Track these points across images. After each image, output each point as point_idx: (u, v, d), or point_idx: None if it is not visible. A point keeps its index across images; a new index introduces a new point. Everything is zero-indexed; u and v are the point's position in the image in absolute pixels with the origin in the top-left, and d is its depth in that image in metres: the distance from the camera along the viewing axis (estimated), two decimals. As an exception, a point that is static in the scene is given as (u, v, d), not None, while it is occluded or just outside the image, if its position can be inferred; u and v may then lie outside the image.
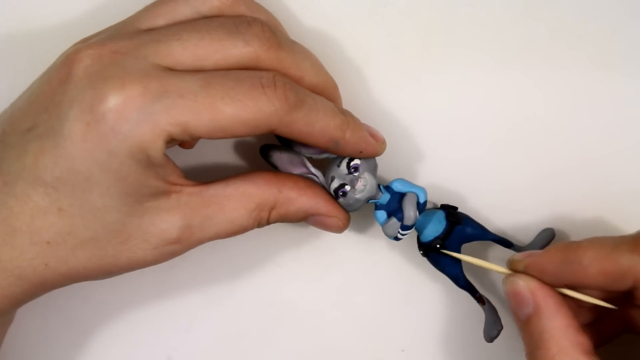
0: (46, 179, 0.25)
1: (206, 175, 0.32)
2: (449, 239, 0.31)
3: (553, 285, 0.28)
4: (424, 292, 0.34)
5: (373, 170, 0.30)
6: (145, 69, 0.25)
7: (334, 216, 0.30)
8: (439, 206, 0.32)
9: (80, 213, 0.26)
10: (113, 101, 0.24)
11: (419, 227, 0.31)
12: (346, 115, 0.29)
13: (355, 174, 0.29)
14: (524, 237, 0.34)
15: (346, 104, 0.31)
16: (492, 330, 0.31)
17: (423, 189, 0.31)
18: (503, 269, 0.29)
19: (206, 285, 0.35)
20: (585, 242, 0.27)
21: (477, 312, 0.32)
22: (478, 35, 0.33)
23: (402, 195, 0.30)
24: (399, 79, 0.33)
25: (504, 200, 0.34)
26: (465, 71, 0.33)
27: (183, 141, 0.28)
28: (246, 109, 0.26)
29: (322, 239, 0.35)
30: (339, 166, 0.30)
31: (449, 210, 0.31)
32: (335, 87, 0.30)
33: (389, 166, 0.31)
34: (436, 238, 0.30)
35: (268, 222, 0.29)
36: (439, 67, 0.33)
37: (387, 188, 0.30)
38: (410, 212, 0.30)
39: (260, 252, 0.35)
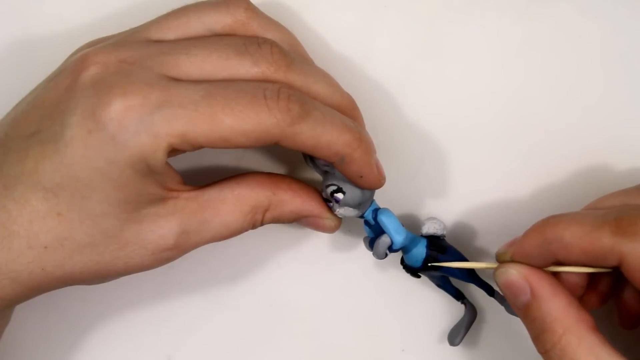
0: (45, 184, 0.25)
1: (202, 176, 0.32)
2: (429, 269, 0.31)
3: (542, 266, 0.27)
4: (424, 292, 0.34)
5: (356, 205, 0.30)
6: (150, 79, 0.25)
7: (326, 217, 0.30)
8: (422, 234, 0.31)
9: (79, 219, 0.26)
10: (114, 110, 0.24)
11: (404, 246, 0.31)
12: (361, 134, 0.28)
13: (335, 205, 0.30)
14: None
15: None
16: (456, 338, 0.31)
17: (401, 234, 0.30)
18: (491, 264, 0.29)
19: (206, 285, 0.35)
20: (564, 218, 0.26)
21: (477, 312, 0.32)
22: (478, 35, 0.33)
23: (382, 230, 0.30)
24: (399, 79, 0.33)
25: (505, 200, 0.34)
26: (465, 71, 0.33)
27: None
28: (246, 120, 0.25)
29: (322, 239, 0.35)
30: (325, 187, 0.30)
31: (432, 240, 0.31)
32: (353, 108, 0.29)
33: (390, 167, 0.31)
34: (415, 268, 0.31)
35: (262, 224, 0.29)
36: (439, 67, 0.33)
37: (375, 212, 0.30)
38: (379, 252, 0.30)
39: (260, 252, 0.35)
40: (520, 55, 0.33)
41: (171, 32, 0.28)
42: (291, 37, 0.30)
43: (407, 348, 0.35)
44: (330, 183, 0.29)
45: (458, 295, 0.32)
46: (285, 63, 0.27)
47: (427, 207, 0.34)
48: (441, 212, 0.34)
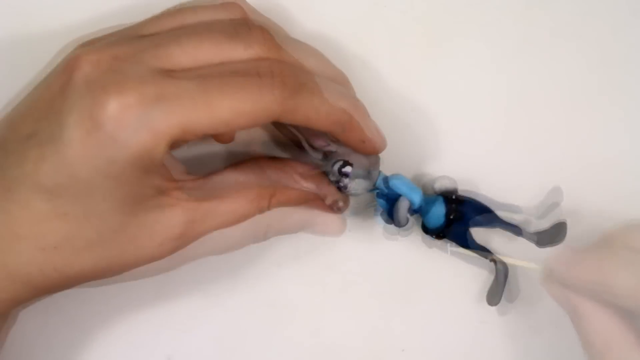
0: (47, 185, 0.25)
1: (205, 165, 0.32)
2: (453, 226, 0.31)
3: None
4: (424, 292, 0.34)
5: (366, 175, 0.30)
6: (143, 75, 0.25)
7: (336, 198, 0.30)
8: (435, 191, 0.31)
9: (85, 217, 0.26)
10: (111, 109, 0.24)
11: (422, 208, 0.31)
12: (357, 100, 0.28)
13: (346, 180, 0.29)
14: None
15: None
16: (494, 298, 0.31)
17: (418, 192, 0.30)
18: (527, 263, 0.30)
19: (206, 285, 0.35)
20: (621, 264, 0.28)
21: (477, 313, 0.32)
22: (478, 35, 0.33)
23: (398, 195, 0.30)
24: (399, 79, 0.33)
25: (506, 200, 0.34)
26: (465, 71, 0.33)
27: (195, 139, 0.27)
28: (244, 101, 0.25)
29: (322, 238, 0.35)
30: (332, 167, 0.30)
31: (447, 196, 0.31)
32: (345, 80, 0.30)
33: (391, 166, 0.31)
34: (438, 228, 0.30)
35: (269, 209, 0.29)
36: (439, 67, 0.33)
37: (386, 180, 0.30)
38: (400, 217, 0.30)
39: (260, 252, 0.35)
40: (521, 55, 0.33)
41: (166, 29, 0.28)
42: (278, 27, 0.30)
43: (407, 348, 0.35)
44: (335, 160, 0.29)
45: (485, 252, 0.32)
46: (276, 43, 0.27)
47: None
48: (441, 212, 0.34)
